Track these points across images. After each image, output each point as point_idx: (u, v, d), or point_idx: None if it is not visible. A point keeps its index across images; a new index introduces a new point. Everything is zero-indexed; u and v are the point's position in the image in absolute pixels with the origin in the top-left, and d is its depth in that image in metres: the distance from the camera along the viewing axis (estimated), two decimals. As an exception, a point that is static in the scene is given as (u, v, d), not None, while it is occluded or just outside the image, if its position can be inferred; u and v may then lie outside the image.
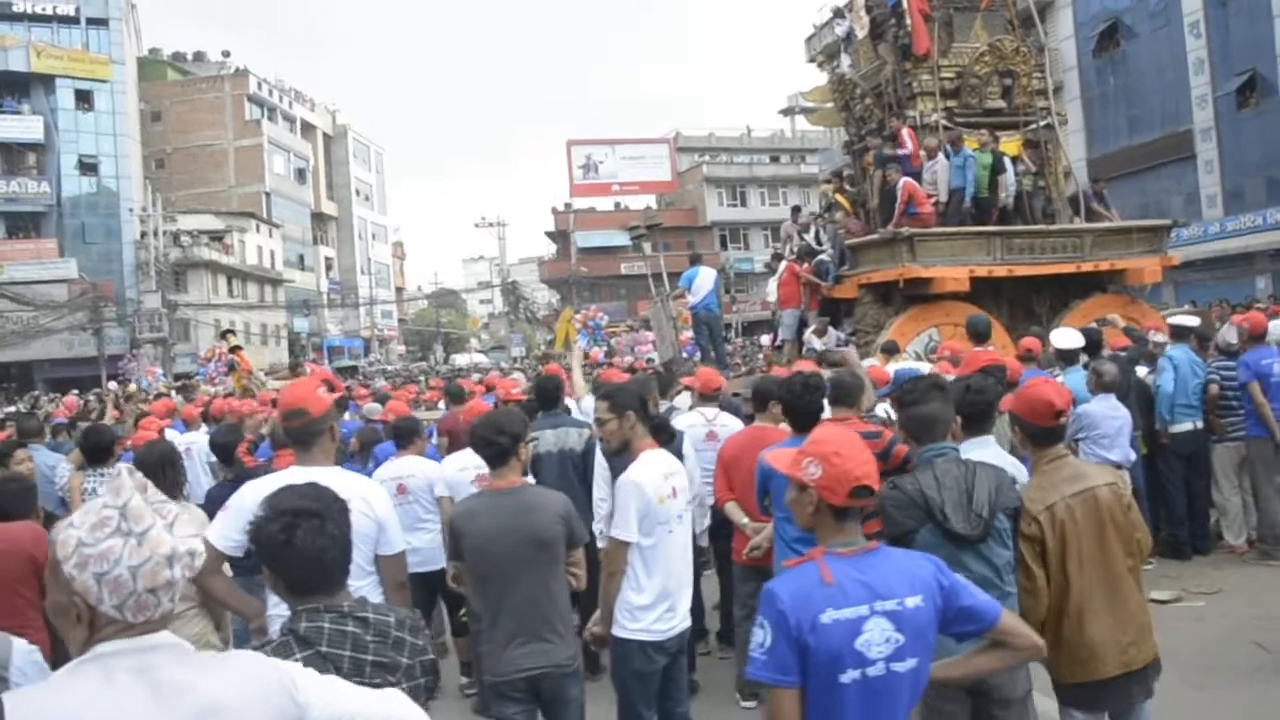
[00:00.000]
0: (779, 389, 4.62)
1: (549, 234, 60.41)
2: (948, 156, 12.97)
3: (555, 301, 63.87)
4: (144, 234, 48.85)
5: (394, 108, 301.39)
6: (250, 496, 3.29)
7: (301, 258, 64.02)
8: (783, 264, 13.72)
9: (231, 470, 6.00)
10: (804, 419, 4.37)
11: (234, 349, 13.17)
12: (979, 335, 8.71)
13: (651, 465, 4.03)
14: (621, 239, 59.83)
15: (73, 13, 49.14)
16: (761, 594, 2.32)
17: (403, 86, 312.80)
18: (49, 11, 48.88)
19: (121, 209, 49.12)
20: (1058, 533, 3.66)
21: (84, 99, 48.95)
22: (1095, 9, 33.34)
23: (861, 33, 14.44)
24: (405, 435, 6.15)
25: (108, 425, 6.42)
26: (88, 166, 49.16)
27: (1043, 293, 13.60)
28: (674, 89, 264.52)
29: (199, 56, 68.09)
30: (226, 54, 66.37)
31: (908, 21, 13.21)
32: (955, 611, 2.37)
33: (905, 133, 13.33)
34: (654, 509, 3.92)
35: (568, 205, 59.06)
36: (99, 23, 49.68)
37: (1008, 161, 13.37)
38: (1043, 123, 14.15)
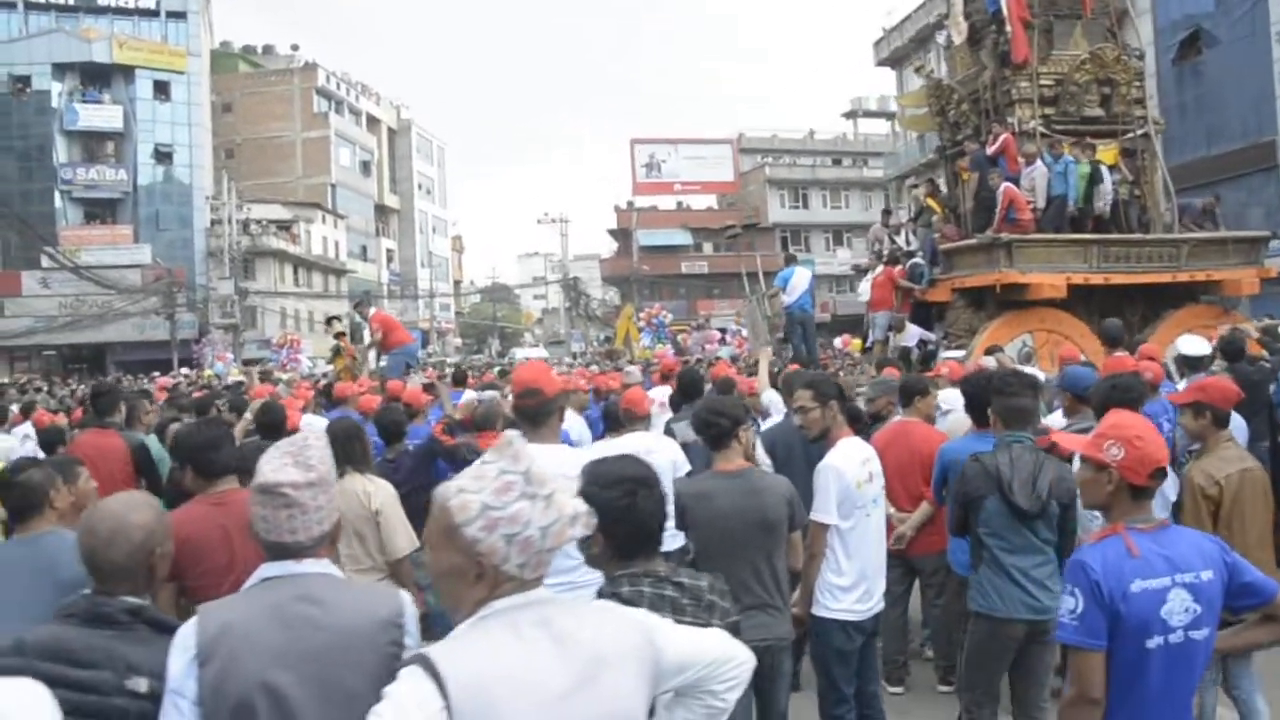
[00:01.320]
0: (987, 386, 4.78)
1: (611, 231, 60.76)
2: (1046, 163, 13.06)
3: (610, 299, 64.27)
4: (214, 222, 49.97)
5: (454, 103, 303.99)
6: None
7: (364, 249, 65.00)
8: (879, 267, 13.83)
9: (392, 450, 6.27)
10: (1010, 414, 4.50)
11: (339, 335, 13.56)
12: (1113, 340, 8.84)
13: (850, 452, 4.26)
14: (683, 238, 60.27)
15: (153, 6, 50.37)
16: (1071, 564, 2.55)
17: (464, 83, 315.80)
18: (131, 5, 50.15)
19: (195, 197, 50.25)
20: (1230, 497, 4.36)
21: (161, 89, 50.14)
22: (1176, 16, 32.89)
23: (959, 39, 14.50)
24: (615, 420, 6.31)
25: (280, 404, 6.73)
26: (163, 155, 50.37)
27: (1135, 302, 13.60)
28: (739, 89, 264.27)
29: (268, 50, 69.34)
30: (295, 48, 67.65)
31: (1008, 29, 13.28)
32: (1239, 586, 2.59)
33: (1003, 138, 13.40)
34: (852, 493, 4.13)
35: (630, 203, 59.37)
36: (177, 15, 50.87)
37: (1105, 170, 13.42)
38: (1139, 131, 14.16)
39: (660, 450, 5.18)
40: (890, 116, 65.64)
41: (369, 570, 4.48)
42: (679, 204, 62.00)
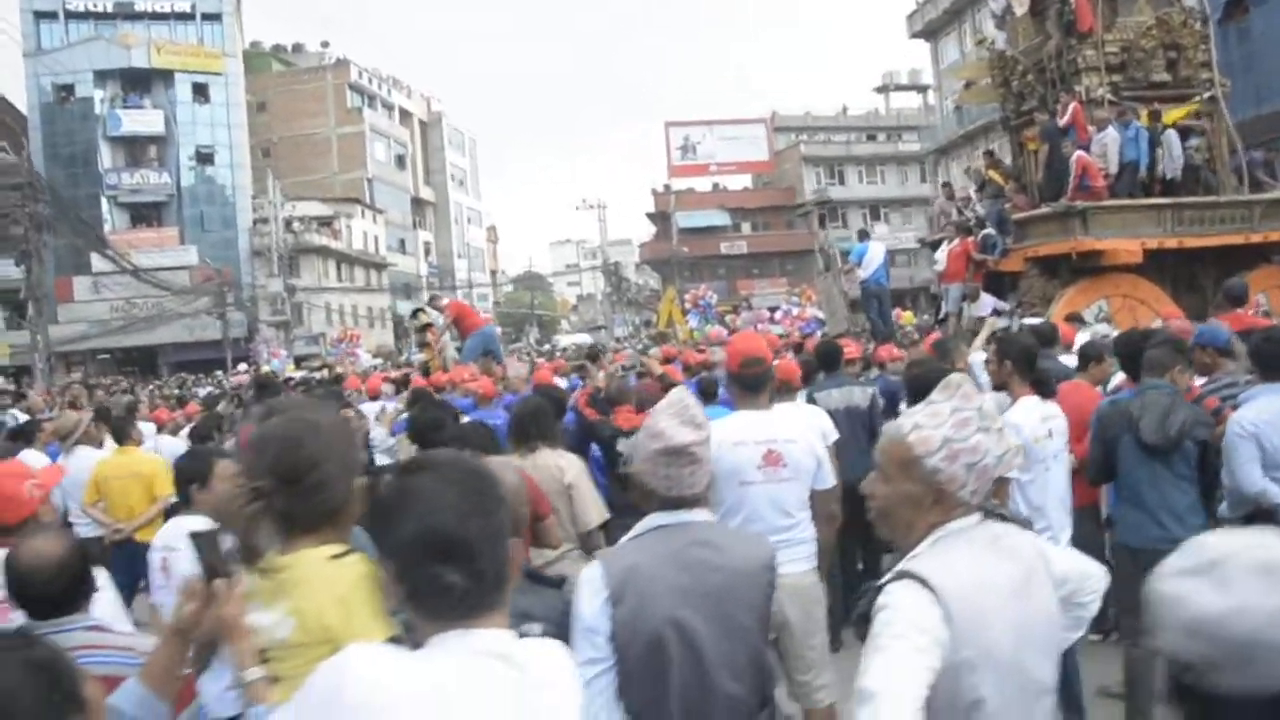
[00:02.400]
0: (1142, 340, 5.15)
1: (649, 215, 60.94)
2: (1116, 130, 13.13)
3: (646, 283, 64.44)
4: (256, 221, 50.63)
5: (482, 94, 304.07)
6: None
7: (402, 242, 65.55)
8: (955, 239, 13.96)
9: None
10: (1149, 364, 4.87)
11: (425, 327, 13.81)
12: (1236, 299, 8.95)
13: (1030, 410, 4.53)
14: (721, 219, 60.36)
15: (188, 9, 50.94)
16: None
17: (489, 73, 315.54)
18: (166, 9, 50.75)
19: (237, 197, 50.92)
20: None
21: (200, 92, 50.83)
22: (1219, -24, 32.59)
23: (1021, 9, 14.56)
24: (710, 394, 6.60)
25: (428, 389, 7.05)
26: (204, 157, 51.08)
27: (1207, 265, 13.64)
28: (770, 67, 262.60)
29: (298, 48, 69.92)
30: (325, 45, 68.23)
31: (1072, -1, 13.35)
32: None
33: (1072, 107, 13.46)
34: (1031, 448, 4.37)
35: (667, 186, 59.51)
36: (212, 18, 51.49)
37: (1173, 135, 13.48)
38: (1207, 94, 14.19)
39: (812, 419, 5.42)
40: (923, 90, 65.30)
41: (561, 541, 4.73)
42: (715, 185, 62.05)
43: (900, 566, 2.01)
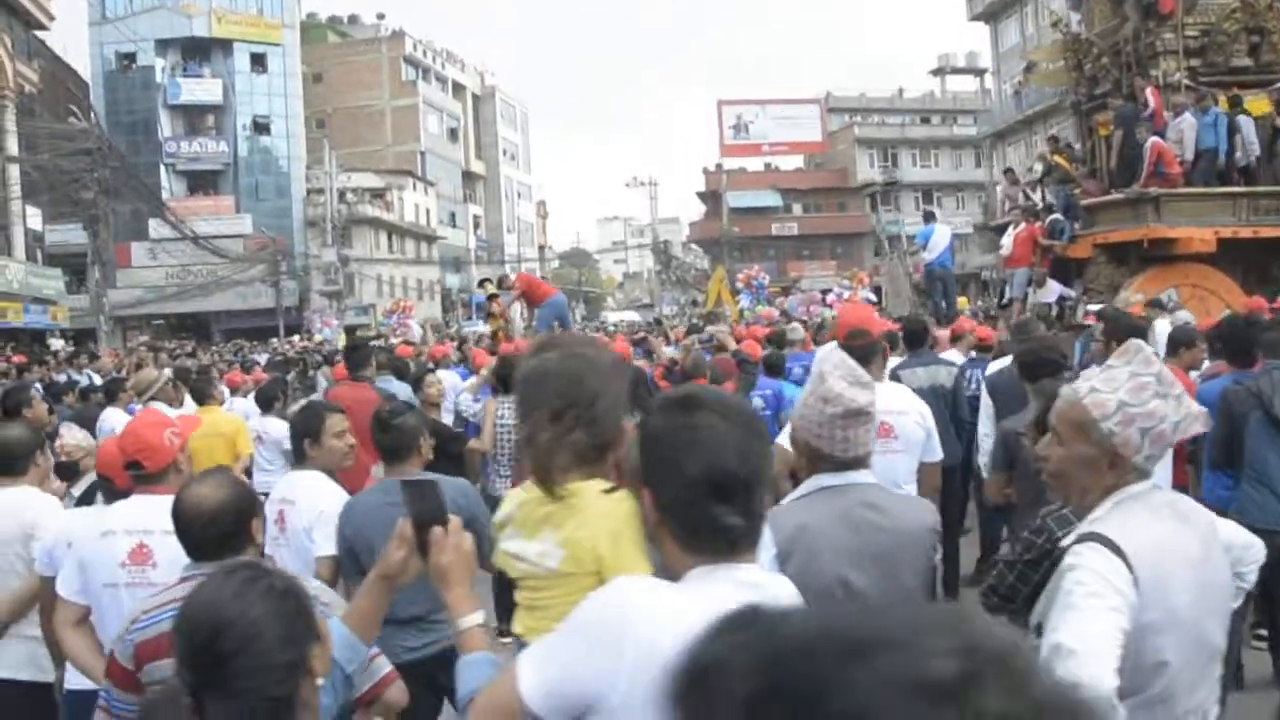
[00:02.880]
0: (1249, 325, 5.15)
1: (699, 194, 60.71)
2: (1194, 116, 12.89)
3: (692, 261, 64.24)
4: (310, 191, 51.09)
5: (534, 69, 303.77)
6: None
7: (453, 215, 65.84)
8: (1021, 224, 13.81)
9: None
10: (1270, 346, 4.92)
11: (491, 297, 13.88)
12: None
13: None
14: (773, 199, 60.02)
15: (247, -23, 51.40)
16: None
17: (543, 49, 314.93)
18: (226, -23, 51.22)
19: (292, 167, 51.42)
20: None
21: (258, 62, 51.29)
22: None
23: (1097, -9, 14.31)
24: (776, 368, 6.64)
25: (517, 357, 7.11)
26: (260, 127, 51.57)
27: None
28: (825, 46, 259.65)
29: (353, 19, 70.20)
30: (381, 16, 68.32)
31: (1157, -23, 13.08)
32: None
33: (1149, 92, 13.22)
34: None
35: (718, 165, 59.20)
36: (272, -12, 51.86)
37: (1251, 122, 13.21)
38: (1287, 81, 13.87)
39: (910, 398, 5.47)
40: (979, 74, 64.39)
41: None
42: (767, 165, 61.68)
43: (1084, 529, 2.03)
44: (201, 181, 50.85)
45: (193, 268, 46.22)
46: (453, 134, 66.50)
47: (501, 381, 6.43)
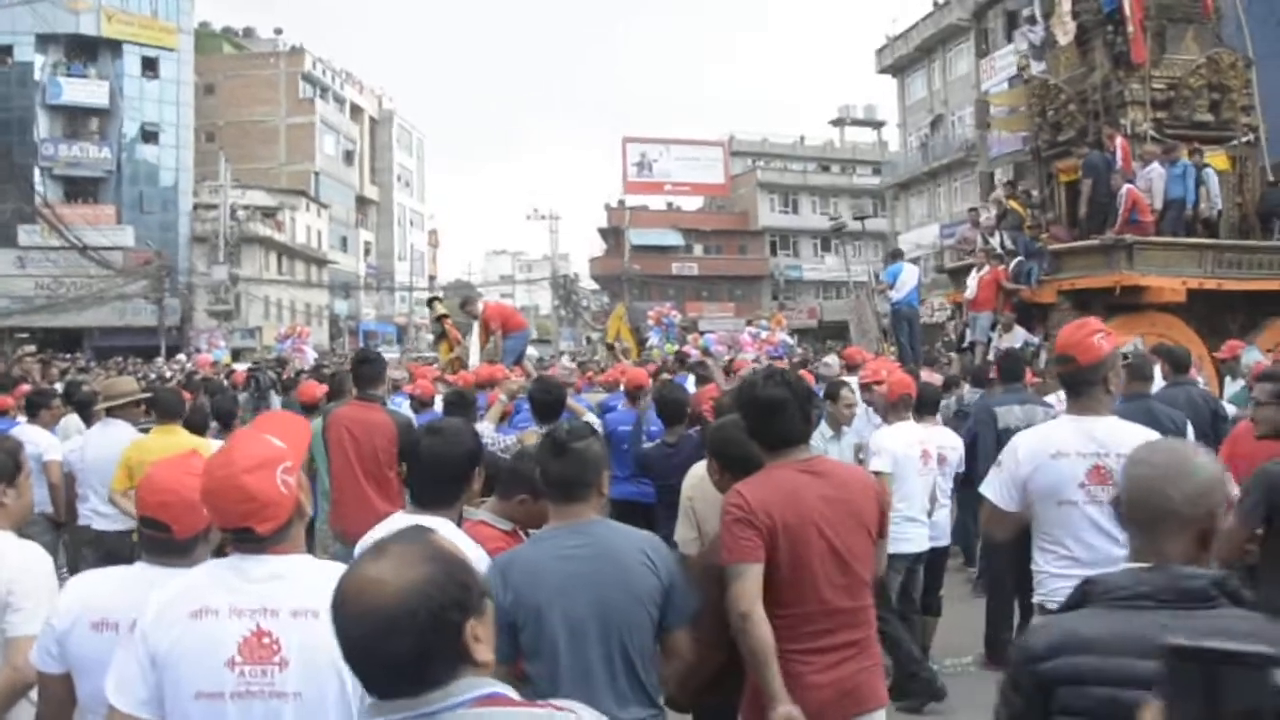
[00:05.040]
0: None
1: (601, 230, 60.26)
2: (1163, 166, 12.93)
3: (594, 298, 63.68)
4: (197, 206, 48.79)
5: (428, 97, 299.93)
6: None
7: (344, 240, 63.91)
8: (985, 268, 13.60)
9: (673, 433, 5.82)
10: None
11: (440, 318, 12.85)
12: None
13: None
14: (674, 238, 59.97)
15: (142, -23, 49.10)
16: None
17: (440, 76, 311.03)
18: (119, -24, 48.82)
19: (180, 179, 49.05)
20: None
21: (149, 66, 48.91)
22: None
23: (1065, 38, 14.32)
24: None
25: (561, 384, 6.28)
26: (149, 135, 49.08)
27: (1236, 310, 13.50)
28: (727, 91, 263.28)
29: (249, 32, 67.96)
30: (279, 31, 66.32)
31: (1129, 29, 13.11)
32: None
33: (1117, 141, 13.21)
34: None
35: (621, 202, 58.93)
36: (167, -11, 49.64)
37: (1213, 175, 13.34)
38: (1245, 139, 14.11)
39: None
40: (878, 125, 66.02)
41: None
42: (669, 205, 61.71)
43: None
44: (80, 189, 47.94)
45: (66, 279, 43.49)
46: (348, 156, 64.71)
47: (542, 409, 5.63)
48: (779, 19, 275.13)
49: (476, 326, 12.19)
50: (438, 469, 2.96)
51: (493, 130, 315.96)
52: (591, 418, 5.96)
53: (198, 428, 7.15)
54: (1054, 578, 3.42)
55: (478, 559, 2.65)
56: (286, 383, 7.14)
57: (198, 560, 2.43)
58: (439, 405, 6.95)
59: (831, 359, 12.20)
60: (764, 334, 28.29)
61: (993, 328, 13.76)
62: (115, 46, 47.62)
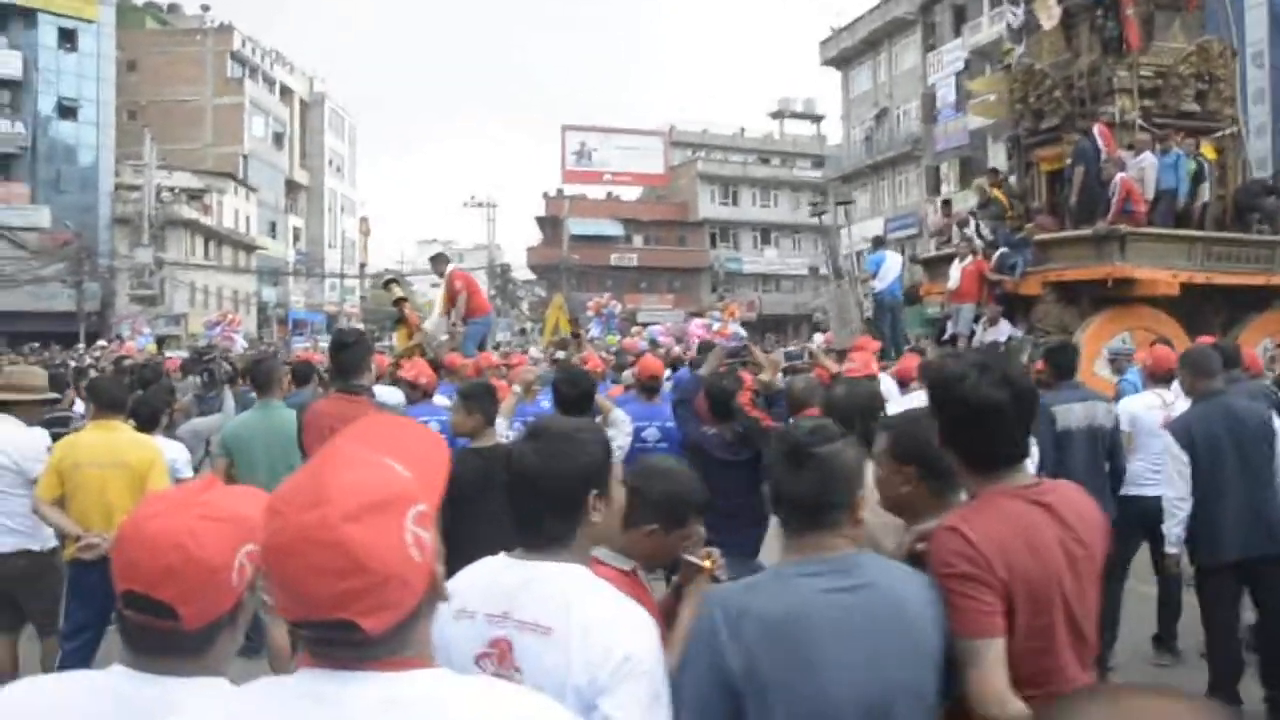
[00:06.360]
0: None
1: (539, 219, 59.16)
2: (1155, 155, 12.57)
3: (530, 289, 62.59)
4: (119, 186, 46.69)
5: (362, 78, 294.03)
6: None
7: (273, 225, 61.94)
8: (969, 258, 13.11)
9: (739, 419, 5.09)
10: None
11: (398, 301, 11.84)
12: None
13: None
14: (614, 229, 59.11)
15: (60, -55, 46.72)
16: None
17: (371, 59, 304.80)
18: (34, -58, 46.41)
19: (101, 158, 46.86)
20: None
21: (66, 38, 46.57)
22: None
23: (1049, 24, 13.87)
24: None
25: (589, 374, 5.49)
26: (66, 110, 46.75)
27: (1218, 304, 13.22)
28: (668, 80, 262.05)
29: (174, 8, 65.47)
30: (206, 7, 64.16)
31: (1125, 12, 12.71)
32: None
33: (1097, 129, 12.82)
34: None
35: (560, 191, 57.90)
36: (87, -43, 47.31)
37: (1206, 166, 13.04)
38: (1228, 130, 13.82)
39: None
40: (817, 119, 65.93)
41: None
42: (608, 194, 60.85)
43: None
44: (-9, 165, 45.62)
45: (-24, 260, 41.26)
46: (278, 139, 62.68)
47: (569, 403, 4.86)
48: (722, 8, 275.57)
49: (442, 290, 11.32)
50: (541, 493, 2.04)
51: (428, 116, 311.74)
52: (622, 415, 5.20)
53: (146, 421, 6.23)
54: None
55: (644, 623, 1.89)
56: (258, 372, 6.04)
57: (216, 665, 1.59)
58: (440, 397, 6.10)
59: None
60: (716, 325, 27.74)
61: (976, 320, 13.30)
62: (29, 15, 45.16)
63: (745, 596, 2.02)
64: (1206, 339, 11.27)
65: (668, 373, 8.90)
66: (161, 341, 35.37)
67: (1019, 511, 2.19)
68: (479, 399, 4.40)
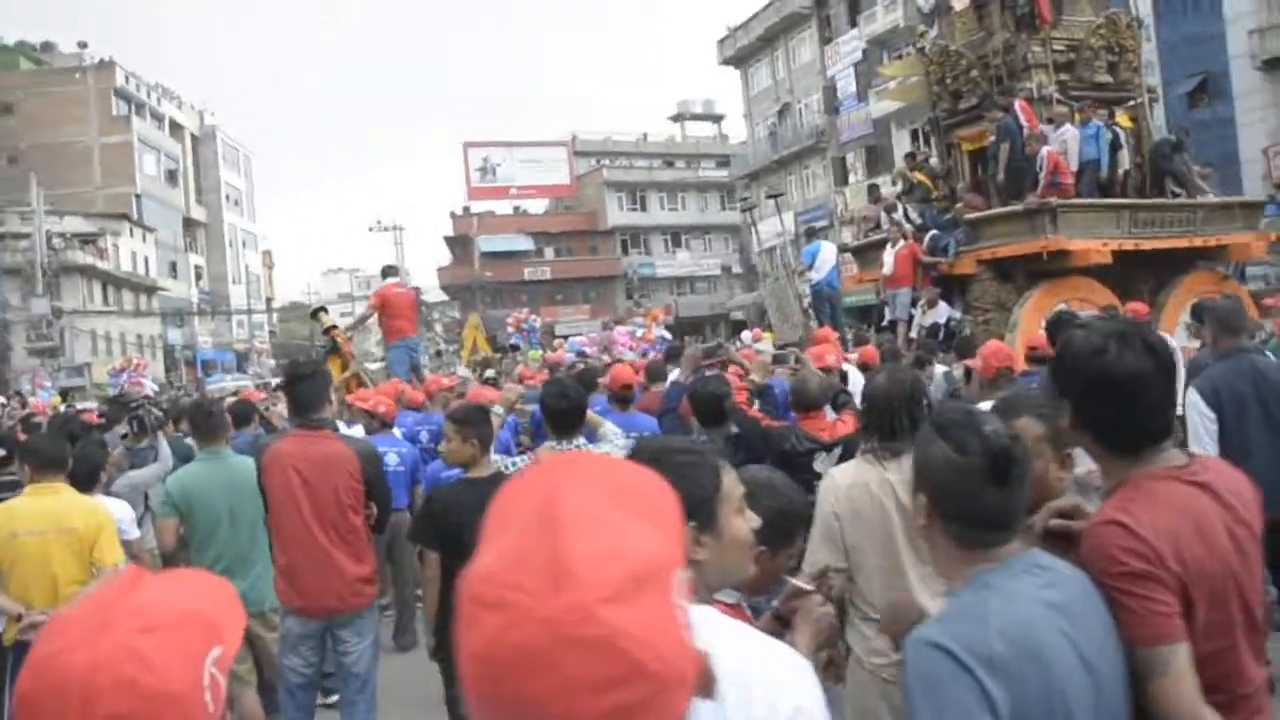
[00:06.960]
0: None
1: (447, 239, 58.34)
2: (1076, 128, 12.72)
3: (443, 310, 61.76)
4: (4, 235, 44.80)
5: (253, 112, 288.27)
6: None
7: (174, 265, 60.07)
8: (901, 243, 13.09)
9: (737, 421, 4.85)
10: None
11: (329, 329, 11.31)
12: None
13: None
14: (524, 243, 58.59)
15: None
16: None
17: (263, 91, 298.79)
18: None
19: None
20: None
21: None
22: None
23: (961, 4, 13.97)
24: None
25: (580, 387, 5.17)
26: (-58, 160, 44.77)
27: (1145, 269, 13.43)
28: (567, 91, 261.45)
29: (48, 47, 63.19)
30: (84, 45, 61.84)
31: (1036, -11, 12.83)
32: None
33: (1018, 105, 12.93)
34: None
35: (466, 209, 57.18)
36: (-48, 5, 45.41)
37: (1122, 135, 13.24)
38: (1139, 100, 14.07)
39: None
40: (717, 119, 66.31)
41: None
42: (516, 209, 60.32)
43: None
44: None
45: None
46: (171, 176, 60.83)
47: (560, 420, 4.55)
48: (618, 17, 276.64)
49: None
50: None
51: (329, 145, 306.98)
52: (613, 428, 4.90)
53: (85, 480, 5.75)
54: None
55: (803, 666, 1.61)
56: (202, 418, 5.51)
57: None
58: (397, 430, 5.74)
59: (765, 344, 11.43)
60: (640, 331, 27.53)
61: (913, 304, 13.29)
62: (-104, 66, 43.28)
63: (972, 625, 1.73)
64: (1138, 304, 11.60)
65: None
66: (65, 394, 33.98)
67: (1181, 496, 1.96)
68: (474, 424, 4.07)
